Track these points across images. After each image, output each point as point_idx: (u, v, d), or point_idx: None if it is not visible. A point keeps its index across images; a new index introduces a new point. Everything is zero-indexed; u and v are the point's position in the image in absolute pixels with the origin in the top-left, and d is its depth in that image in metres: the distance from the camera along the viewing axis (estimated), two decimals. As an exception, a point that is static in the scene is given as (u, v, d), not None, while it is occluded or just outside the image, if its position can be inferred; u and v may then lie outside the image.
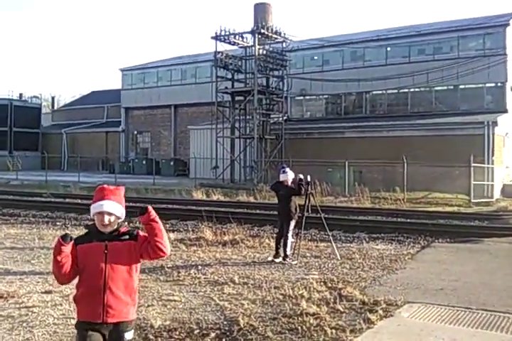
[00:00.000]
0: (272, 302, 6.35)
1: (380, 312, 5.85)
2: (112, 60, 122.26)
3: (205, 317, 5.80)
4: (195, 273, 7.93)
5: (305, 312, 5.86)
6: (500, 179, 25.80)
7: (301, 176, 9.15)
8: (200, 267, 8.42)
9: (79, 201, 21.05)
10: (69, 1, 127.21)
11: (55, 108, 63.30)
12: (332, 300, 6.34)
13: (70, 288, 7.00)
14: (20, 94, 56.67)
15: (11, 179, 33.56)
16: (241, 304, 6.27)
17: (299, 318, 5.68)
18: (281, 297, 6.59)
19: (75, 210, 17.12)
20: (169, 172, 37.88)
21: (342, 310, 5.99)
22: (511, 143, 29.99)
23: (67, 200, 21.26)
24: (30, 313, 5.96)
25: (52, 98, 67.29)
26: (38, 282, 7.46)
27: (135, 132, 46.68)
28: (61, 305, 6.33)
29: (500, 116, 26.79)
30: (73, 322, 4.52)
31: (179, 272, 7.98)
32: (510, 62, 28.53)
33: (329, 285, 7.13)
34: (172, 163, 39.24)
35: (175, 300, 6.48)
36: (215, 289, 7.05)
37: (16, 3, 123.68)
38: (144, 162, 40.78)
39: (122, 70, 47.27)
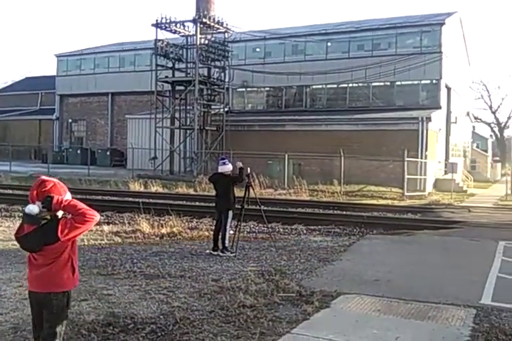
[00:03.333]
0: (209, 295, 6.27)
1: (316, 303, 5.90)
2: (47, 45, 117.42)
3: (141, 312, 5.64)
4: (130, 267, 7.72)
5: (242, 304, 5.83)
6: (433, 173, 26.85)
7: (241, 164, 9.07)
8: (135, 260, 8.22)
9: (10, 191, 20.15)
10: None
11: (-15, 94, 60.13)
12: (269, 291, 6.34)
13: (-4, 283, 6.65)
14: None
15: None
16: (178, 297, 6.15)
17: (237, 311, 5.64)
18: (218, 289, 6.53)
19: (6, 201, 16.36)
20: (105, 163, 36.85)
21: (279, 301, 6.00)
22: (444, 139, 31.27)
23: (-3, 190, 20.28)
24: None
25: (-18, 83, 63.90)
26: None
27: (70, 120, 45.05)
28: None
29: (434, 112, 27.81)
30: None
31: (114, 266, 7.75)
32: (445, 60, 29.66)
33: (266, 277, 7.13)
34: (108, 153, 38.17)
35: (109, 294, 6.27)
36: (152, 282, 6.89)
37: None
38: (79, 151, 39.42)
39: (58, 56, 45.44)
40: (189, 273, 7.40)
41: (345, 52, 32.36)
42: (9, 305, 5.78)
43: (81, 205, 3.47)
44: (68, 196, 3.55)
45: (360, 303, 6.04)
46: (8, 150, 37.47)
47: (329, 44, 33.06)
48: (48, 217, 3.44)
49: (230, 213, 8.95)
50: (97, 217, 3.51)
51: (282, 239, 10.50)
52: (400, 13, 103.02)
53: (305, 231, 11.73)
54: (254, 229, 11.74)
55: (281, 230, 11.90)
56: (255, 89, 35.25)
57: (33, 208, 3.40)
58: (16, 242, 8.94)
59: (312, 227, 12.13)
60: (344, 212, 14.47)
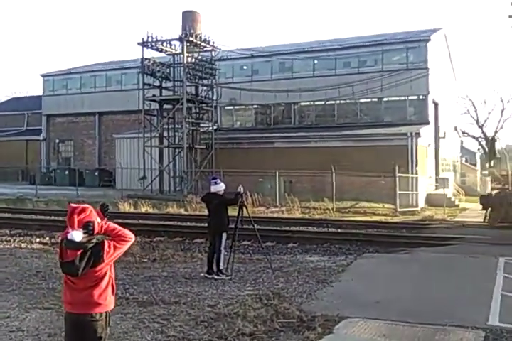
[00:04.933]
0: (206, 323, 6.00)
1: (319, 329, 5.66)
2: (33, 65, 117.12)
3: (135, 343, 5.37)
4: (122, 293, 7.41)
5: (241, 332, 5.58)
6: (424, 188, 26.78)
7: (242, 189, 8.85)
8: (128, 286, 7.92)
9: (-5, 214, 19.65)
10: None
11: (-29, 115, 59.54)
12: (268, 317, 6.08)
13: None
14: None
15: None
16: (173, 326, 5.88)
17: (235, 339, 5.38)
18: (215, 316, 6.25)
19: (-10, 224, 15.90)
20: (94, 183, 36.32)
21: (279, 328, 5.75)
22: (433, 154, 31.32)
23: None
24: None
25: (-33, 104, 63.31)
26: None
27: (57, 141, 44.56)
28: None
29: (422, 127, 27.89)
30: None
31: (105, 292, 7.43)
32: (432, 75, 29.89)
33: (265, 301, 6.87)
34: (97, 174, 37.67)
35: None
36: (145, 310, 6.60)
37: None
38: (67, 172, 38.87)
39: (43, 76, 45.18)
40: (184, 299, 7.12)
41: (332, 69, 32.52)
42: (-5, 339, 5.47)
43: (118, 227, 3.74)
44: (98, 219, 3.71)
45: (364, 328, 5.80)
46: (-5, 171, 36.99)
47: (316, 61, 33.23)
48: (94, 241, 3.58)
49: (224, 235, 8.70)
50: (133, 237, 3.78)
51: (278, 260, 10.23)
52: (386, 30, 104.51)
53: (301, 251, 11.48)
54: (249, 250, 11.46)
55: (277, 250, 11.64)
56: (243, 106, 35.21)
57: (77, 235, 3.53)
58: (2, 269, 8.63)
59: (308, 246, 11.89)
60: (339, 230, 14.24)
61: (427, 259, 10.08)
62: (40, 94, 45.73)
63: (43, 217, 18.15)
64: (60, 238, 3.80)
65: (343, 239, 12.43)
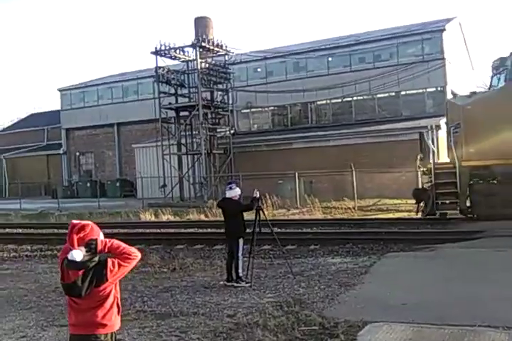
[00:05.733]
0: (225, 334, 5.81)
1: (342, 336, 5.43)
2: (49, 81, 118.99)
3: (152, 358, 5.22)
4: (140, 306, 7.29)
5: (261, 343, 5.37)
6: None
7: (257, 194, 8.67)
8: (146, 298, 7.79)
9: (19, 230, 19.83)
10: (2, 19, 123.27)
11: (-7, 133, 60.64)
12: (289, 326, 5.86)
13: (0, 334, 6.28)
14: (-47, 120, 53.97)
15: None
16: (191, 339, 5.71)
17: (255, 351, 5.19)
18: (234, 327, 6.06)
19: (15, 241, 16.01)
20: (115, 194, 36.58)
21: (301, 337, 5.53)
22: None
23: (7, 230, 19.97)
24: None
25: (-11, 122, 64.55)
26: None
27: (77, 153, 45.06)
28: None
29: (442, 119, 27.32)
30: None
31: (123, 305, 7.19)
32: (449, 66, 29.33)
33: (286, 308, 6.65)
34: (118, 184, 37.94)
35: (118, 340, 5.79)
36: (163, 323, 6.45)
37: None
38: (89, 184, 39.25)
39: (61, 90, 45.76)
40: (202, 310, 6.95)
41: (347, 66, 32.19)
42: (10, 360, 5.37)
43: (122, 245, 3.56)
44: (101, 236, 3.57)
45: (390, 332, 5.54)
46: (18, 187, 37.43)
47: (330, 59, 32.93)
48: (96, 260, 3.42)
49: (241, 241, 8.51)
50: (139, 254, 3.59)
51: (299, 264, 10.00)
52: (399, 22, 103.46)
53: (322, 253, 11.22)
54: (269, 254, 11.25)
55: (298, 253, 11.40)
56: (260, 109, 35.06)
57: (77, 254, 3.34)
58: (22, 286, 8.58)
59: (329, 248, 11.63)
60: (361, 229, 13.93)
61: (453, 255, 9.74)
62: (59, 108, 46.31)
63: (63, 231, 18.19)
64: (59, 258, 3.62)
65: (366, 239, 12.13)
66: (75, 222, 3.54)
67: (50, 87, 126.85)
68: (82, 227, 3.48)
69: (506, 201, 13.89)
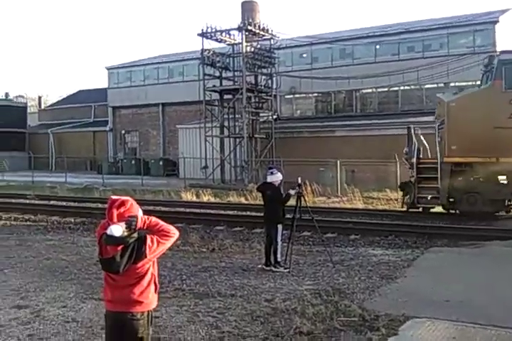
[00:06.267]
0: (262, 319, 5.76)
1: (383, 330, 5.29)
2: (99, 59, 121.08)
3: (188, 337, 5.22)
4: (179, 284, 7.33)
5: (299, 330, 5.30)
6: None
7: (299, 181, 8.60)
8: (184, 277, 7.82)
9: (64, 203, 20.32)
10: (55, 0, 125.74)
11: (42, 108, 62.25)
12: (328, 315, 5.76)
13: (43, 302, 6.42)
14: (6, 94, 55.56)
15: (-4, 180, 32.71)
16: (228, 321, 5.69)
17: (293, 338, 5.11)
18: (272, 312, 6.01)
19: (59, 213, 16.41)
20: (158, 173, 37.14)
21: (339, 327, 5.42)
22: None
23: (52, 202, 20.51)
24: (-8, 335, 5.33)
25: (39, 97, 66.17)
26: (8, 295, 6.81)
27: (123, 131, 45.83)
28: (29, 323, 5.69)
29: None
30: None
31: (162, 283, 7.26)
32: (500, 59, 28.18)
33: (324, 297, 6.55)
34: (161, 163, 38.49)
35: (156, 317, 5.86)
36: (201, 302, 6.46)
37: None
38: (133, 162, 39.96)
39: (108, 69, 46.40)
40: (240, 292, 6.92)
41: (395, 55, 31.40)
42: (50, 328, 5.48)
43: (161, 222, 3.52)
44: (141, 212, 3.51)
45: (432, 330, 5.37)
46: (64, 162, 38.39)
47: (378, 46, 32.16)
48: (135, 236, 3.38)
49: (280, 226, 8.40)
50: (177, 233, 3.55)
51: (339, 252, 9.85)
52: (451, 12, 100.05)
53: (363, 243, 11.02)
54: (308, 241, 11.13)
55: (338, 242, 11.24)
56: (303, 95, 34.66)
57: (117, 230, 3.29)
58: (64, 257, 8.76)
59: (371, 239, 11.41)
60: (405, 222, 13.59)
61: (500, 254, 9.37)
62: (106, 86, 47.02)
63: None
64: (97, 234, 3.58)
65: (409, 231, 11.83)
66: (114, 197, 3.49)
67: (98, 66, 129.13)
68: (122, 203, 3.44)
69: (486, 199, 14.05)
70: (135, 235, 3.39)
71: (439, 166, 14.48)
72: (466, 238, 11.03)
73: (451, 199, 14.67)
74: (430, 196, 14.84)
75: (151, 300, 3.53)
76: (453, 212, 15.17)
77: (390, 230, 12.03)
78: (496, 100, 13.64)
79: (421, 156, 15.56)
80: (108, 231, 3.33)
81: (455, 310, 6.00)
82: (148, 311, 3.54)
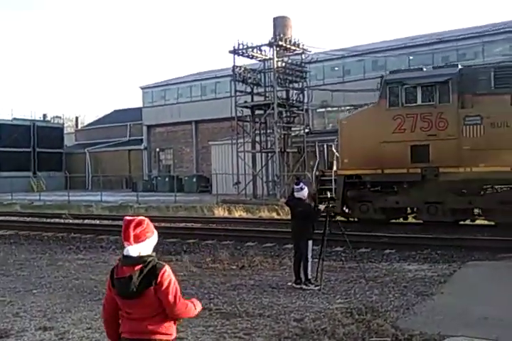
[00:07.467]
0: (290, 340, 5.54)
1: (417, 350, 5.01)
2: (133, 79, 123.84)
3: (213, 360, 5.05)
4: (206, 304, 7.15)
5: (328, 352, 5.05)
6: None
7: (328, 195, 8.43)
8: (212, 295, 7.66)
9: (98, 222, 20.53)
10: (89, 22, 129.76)
11: (79, 128, 63.85)
12: (360, 335, 5.49)
13: (68, 324, 6.36)
14: (44, 115, 57.26)
15: (33, 200, 33.46)
16: (255, 342, 5.49)
17: (321, 361, 4.88)
18: (301, 332, 5.77)
19: (92, 232, 16.55)
20: (192, 189, 37.41)
21: (371, 348, 5.15)
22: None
23: (86, 221, 20.75)
24: (16, 357, 5.28)
25: (76, 118, 67.99)
26: (35, 317, 6.79)
27: (157, 149, 46.50)
28: (53, 345, 5.63)
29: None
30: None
31: (190, 302, 7.20)
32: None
33: (356, 316, 6.27)
34: (194, 180, 38.79)
35: (180, 338, 5.71)
36: (227, 323, 6.28)
37: (39, 24, 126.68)
38: (167, 179, 40.43)
39: (143, 88, 47.34)
40: (268, 312, 6.71)
41: (429, 65, 30.86)
42: (74, 351, 5.39)
43: (178, 292, 3.27)
44: (155, 233, 3.40)
45: (470, 350, 5.05)
46: (100, 180, 39.09)
47: (411, 57, 31.77)
48: (154, 255, 3.33)
49: (310, 242, 8.17)
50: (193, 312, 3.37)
51: (373, 268, 9.52)
52: (482, 21, 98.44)
53: (398, 258, 10.64)
54: (340, 257, 10.83)
55: (372, 257, 10.89)
56: (335, 108, 34.42)
57: (133, 250, 3.25)
58: (94, 277, 8.71)
59: (406, 253, 11.01)
60: (443, 235, 13.08)
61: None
62: (140, 105, 47.91)
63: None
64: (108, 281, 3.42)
65: (446, 245, 11.37)
66: (129, 217, 3.37)
67: (132, 86, 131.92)
68: (140, 223, 3.32)
69: (376, 207, 15.18)
70: (154, 254, 3.31)
71: (333, 178, 15.61)
72: (507, 251, 10.51)
73: (346, 209, 15.79)
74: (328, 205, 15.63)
75: (171, 331, 3.34)
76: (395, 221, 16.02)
77: (426, 244, 11.61)
78: (382, 117, 14.80)
79: (323, 170, 16.86)
80: (125, 252, 3.27)
81: (494, 329, 5.65)
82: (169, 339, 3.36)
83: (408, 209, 15.71)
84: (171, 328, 3.33)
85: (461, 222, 14.99)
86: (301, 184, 8.46)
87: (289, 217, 9.27)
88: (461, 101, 14.08)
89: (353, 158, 15.33)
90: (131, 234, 3.26)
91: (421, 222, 15.26)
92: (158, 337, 3.26)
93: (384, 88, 15.04)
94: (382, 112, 14.88)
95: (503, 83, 13.73)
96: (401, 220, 16.05)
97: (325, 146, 17.20)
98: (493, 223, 14.32)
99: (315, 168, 16.89)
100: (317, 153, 17.82)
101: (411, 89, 14.61)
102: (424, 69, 15.76)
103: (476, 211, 14.62)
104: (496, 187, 14.41)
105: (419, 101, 14.50)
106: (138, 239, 3.28)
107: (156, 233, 3.42)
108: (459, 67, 14.94)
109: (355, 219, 16.10)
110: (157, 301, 3.24)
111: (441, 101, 14.21)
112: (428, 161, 14.23)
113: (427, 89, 14.40)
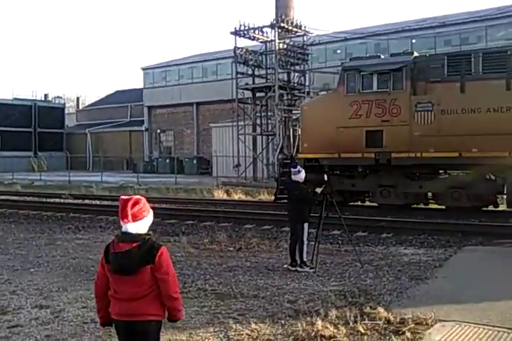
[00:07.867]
0: (283, 321, 5.58)
1: (408, 334, 5.04)
2: (135, 59, 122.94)
3: (206, 340, 5.10)
4: (202, 284, 7.22)
5: (320, 334, 5.09)
6: None
7: (325, 178, 8.44)
8: (208, 276, 7.72)
9: (97, 202, 20.59)
10: (91, 2, 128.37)
11: (80, 108, 63.62)
12: (352, 318, 5.52)
13: (64, 303, 6.43)
14: (45, 95, 57.00)
15: (34, 180, 33.53)
16: (248, 323, 5.53)
17: (313, 343, 4.92)
18: (294, 314, 5.82)
19: (91, 212, 16.62)
20: (192, 171, 37.46)
21: (363, 331, 5.18)
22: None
23: (86, 201, 20.82)
24: (11, 335, 5.34)
25: (77, 98, 67.76)
26: (32, 295, 6.85)
27: (158, 131, 46.37)
28: (48, 323, 5.68)
29: None
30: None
31: (185, 282, 7.26)
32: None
33: (349, 299, 6.32)
34: (195, 162, 38.81)
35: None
36: (222, 303, 6.33)
37: (41, 4, 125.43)
38: (168, 161, 40.45)
39: (144, 69, 47.00)
40: (263, 293, 6.76)
41: (431, 48, 30.60)
42: (68, 329, 5.44)
43: (171, 269, 3.38)
44: (151, 212, 3.46)
45: (460, 334, 5.09)
46: (101, 161, 39.10)
47: (414, 41, 31.44)
48: (151, 234, 3.42)
49: (306, 225, 8.19)
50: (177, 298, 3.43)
51: (369, 252, 9.57)
52: (486, 5, 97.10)
53: (394, 242, 10.68)
54: (337, 240, 10.86)
55: (368, 241, 10.92)
56: (337, 91, 34.19)
57: (132, 227, 3.33)
58: (91, 256, 8.76)
59: (403, 237, 11.05)
60: (439, 220, 13.10)
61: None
62: (142, 86, 47.63)
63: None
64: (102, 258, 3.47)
65: (442, 230, 11.39)
66: (125, 197, 3.40)
67: (134, 66, 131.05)
68: (137, 202, 3.37)
69: (333, 190, 15.14)
70: (151, 233, 3.37)
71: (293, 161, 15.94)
72: (503, 237, 10.55)
73: None
74: None
75: (160, 312, 3.39)
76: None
77: (423, 228, 11.64)
78: (339, 103, 15.23)
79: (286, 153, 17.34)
80: (123, 229, 3.33)
81: (487, 313, 5.69)
82: (160, 320, 3.42)
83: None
84: (159, 309, 3.36)
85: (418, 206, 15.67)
86: (298, 167, 8.45)
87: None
88: (414, 88, 14.42)
89: (312, 142, 15.79)
90: (129, 212, 3.31)
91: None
92: (147, 317, 3.30)
93: (342, 75, 15.43)
94: (340, 98, 15.30)
95: (455, 71, 13.97)
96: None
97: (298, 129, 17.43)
98: (443, 207, 14.84)
99: (277, 152, 17.60)
100: (291, 136, 17.97)
101: (367, 76, 15.01)
102: (382, 57, 16.19)
103: (430, 195, 15.14)
104: (446, 172, 14.90)
105: (374, 88, 14.88)
106: (135, 217, 3.33)
107: (151, 212, 3.45)
108: (415, 54, 15.23)
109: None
110: (150, 280, 3.27)
111: (394, 88, 14.60)
112: (381, 146, 14.67)
113: (382, 76, 14.80)
